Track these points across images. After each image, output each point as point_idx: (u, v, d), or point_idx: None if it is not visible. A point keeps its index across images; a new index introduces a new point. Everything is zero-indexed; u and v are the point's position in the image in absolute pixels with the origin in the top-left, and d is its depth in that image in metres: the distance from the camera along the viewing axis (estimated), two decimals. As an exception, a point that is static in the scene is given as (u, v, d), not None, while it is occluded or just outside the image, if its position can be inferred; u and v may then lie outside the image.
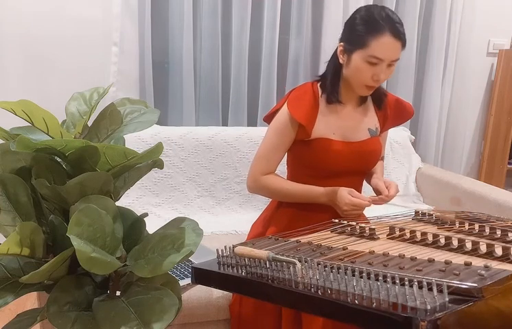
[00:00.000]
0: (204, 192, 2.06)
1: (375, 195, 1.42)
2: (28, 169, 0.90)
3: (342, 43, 1.35)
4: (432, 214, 1.27)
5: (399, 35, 1.27)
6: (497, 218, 1.28)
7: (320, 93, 1.42)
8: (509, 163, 2.70)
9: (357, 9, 1.35)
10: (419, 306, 0.66)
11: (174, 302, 0.84)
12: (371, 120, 1.47)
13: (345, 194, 1.32)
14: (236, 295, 1.38)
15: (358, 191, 1.45)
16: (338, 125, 1.41)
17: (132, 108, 1.02)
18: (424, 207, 2.18)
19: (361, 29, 1.29)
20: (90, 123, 0.97)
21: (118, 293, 0.91)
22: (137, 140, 1.92)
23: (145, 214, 1.02)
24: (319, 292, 0.78)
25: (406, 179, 2.39)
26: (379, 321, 0.68)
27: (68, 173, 0.92)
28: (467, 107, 2.73)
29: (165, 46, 2.18)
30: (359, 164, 1.43)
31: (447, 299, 0.67)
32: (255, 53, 2.27)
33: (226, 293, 1.39)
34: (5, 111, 0.83)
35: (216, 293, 1.39)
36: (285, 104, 1.40)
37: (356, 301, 0.72)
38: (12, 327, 0.89)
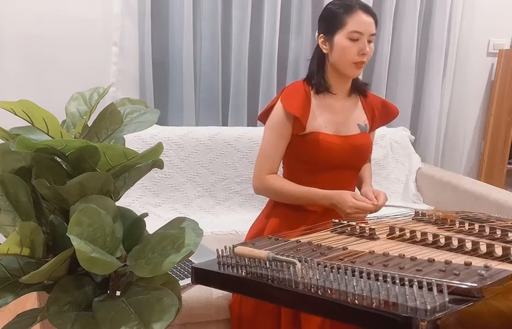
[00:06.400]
0: (204, 192, 2.05)
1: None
2: (28, 169, 0.90)
3: (321, 34, 1.44)
4: (432, 214, 1.27)
5: (369, 11, 1.40)
6: (497, 218, 1.28)
7: (310, 89, 1.48)
8: (509, 163, 2.69)
9: (327, 3, 1.47)
10: (419, 306, 0.66)
11: (174, 302, 0.84)
12: (361, 116, 1.53)
13: (349, 197, 1.34)
14: (236, 295, 1.38)
15: (352, 186, 1.52)
16: (330, 119, 1.46)
17: (132, 108, 1.03)
18: (424, 207, 2.18)
19: (337, 13, 1.40)
20: (90, 123, 0.97)
21: (118, 293, 0.91)
22: (137, 140, 1.92)
23: (145, 214, 1.02)
24: (319, 292, 0.78)
25: (406, 179, 2.39)
26: (379, 321, 0.68)
27: (68, 173, 0.92)
28: (467, 107, 2.73)
29: (165, 46, 2.17)
30: (351, 158, 1.47)
31: (447, 299, 0.66)
32: (255, 53, 2.27)
33: (226, 293, 1.39)
34: (5, 111, 0.83)
35: (216, 293, 1.39)
36: (279, 101, 1.44)
37: (356, 301, 0.72)
38: (12, 327, 0.89)
